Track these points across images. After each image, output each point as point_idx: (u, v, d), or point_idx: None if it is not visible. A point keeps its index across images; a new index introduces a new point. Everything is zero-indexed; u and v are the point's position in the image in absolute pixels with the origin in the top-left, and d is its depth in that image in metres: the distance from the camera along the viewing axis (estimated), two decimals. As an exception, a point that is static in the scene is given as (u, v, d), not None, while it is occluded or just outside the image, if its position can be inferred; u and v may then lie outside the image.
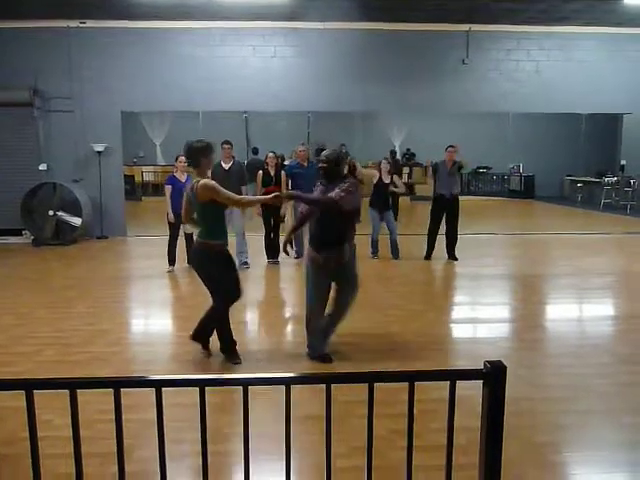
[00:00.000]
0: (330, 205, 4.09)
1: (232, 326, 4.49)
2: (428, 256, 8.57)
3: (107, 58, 10.20)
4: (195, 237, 4.53)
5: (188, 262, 7.19)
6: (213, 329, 4.50)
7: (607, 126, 17.17)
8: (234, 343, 4.47)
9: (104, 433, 2.80)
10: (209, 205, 4.17)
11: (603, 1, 8.92)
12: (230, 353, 4.44)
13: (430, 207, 8.68)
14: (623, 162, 16.55)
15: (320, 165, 4.26)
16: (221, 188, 4.16)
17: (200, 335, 4.51)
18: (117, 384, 1.56)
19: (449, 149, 8.39)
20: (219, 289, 4.35)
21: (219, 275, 4.31)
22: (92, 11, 9.54)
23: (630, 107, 11.66)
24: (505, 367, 1.60)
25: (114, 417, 1.60)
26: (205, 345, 4.56)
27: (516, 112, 14.91)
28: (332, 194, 4.09)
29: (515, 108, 11.93)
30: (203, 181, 4.17)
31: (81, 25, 10.09)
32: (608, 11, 9.52)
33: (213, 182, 4.19)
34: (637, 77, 10.79)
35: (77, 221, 9.82)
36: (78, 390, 1.60)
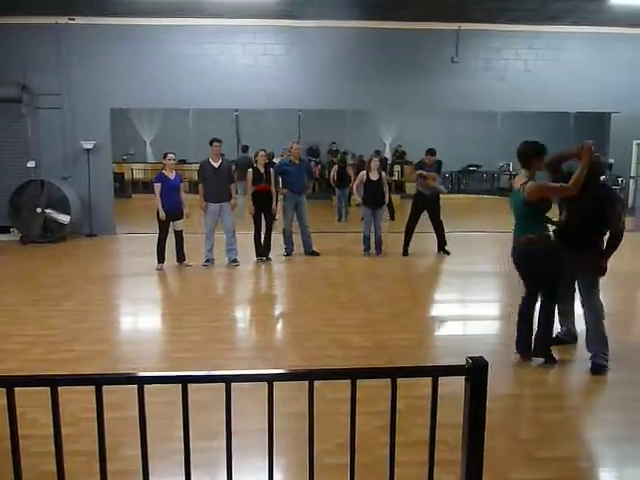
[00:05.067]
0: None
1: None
2: (405, 252, 8.69)
3: (96, 55, 10.12)
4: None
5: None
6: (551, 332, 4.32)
7: (595, 125, 17.25)
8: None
9: (90, 431, 2.79)
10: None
11: (590, 1, 8.98)
12: (549, 354, 4.28)
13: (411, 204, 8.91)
14: (611, 161, 16.68)
15: None
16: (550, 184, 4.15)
17: (543, 347, 4.27)
18: (99, 381, 1.56)
19: (427, 156, 8.57)
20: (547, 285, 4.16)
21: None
22: (81, 8, 9.47)
23: (617, 106, 11.74)
24: (487, 363, 1.61)
25: (95, 415, 1.60)
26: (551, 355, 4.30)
27: (505, 111, 14.98)
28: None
29: (504, 107, 12.00)
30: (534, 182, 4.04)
31: (70, 22, 10.01)
32: (595, 11, 9.58)
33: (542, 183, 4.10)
34: (624, 76, 10.86)
35: (65, 219, 9.75)
36: (61, 387, 1.60)
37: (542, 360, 4.22)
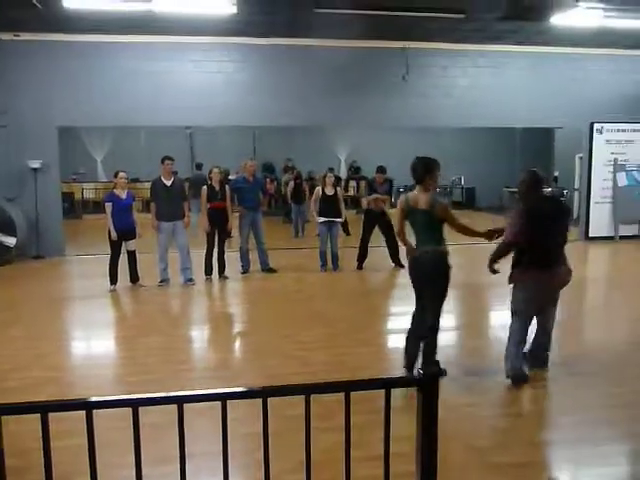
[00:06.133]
0: None
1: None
2: (359, 266, 8.86)
3: (44, 72, 9.87)
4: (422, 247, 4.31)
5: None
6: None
7: (541, 140, 17.99)
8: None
9: (42, 461, 2.68)
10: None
11: (532, 22, 9.39)
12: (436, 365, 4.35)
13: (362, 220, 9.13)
14: (556, 174, 17.39)
15: None
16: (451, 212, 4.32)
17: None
18: (44, 408, 1.50)
19: (378, 174, 8.78)
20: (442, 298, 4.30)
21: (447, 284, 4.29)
22: (27, 24, 9.24)
23: (560, 122, 12.27)
24: (438, 375, 1.64)
25: (41, 444, 1.54)
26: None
27: (453, 127, 15.41)
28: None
29: (452, 123, 12.33)
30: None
31: (15, 38, 9.75)
32: (537, 32, 10.01)
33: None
34: (566, 94, 11.37)
35: (11, 241, 9.39)
36: (5, 417, 1.53)
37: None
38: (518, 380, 4.18)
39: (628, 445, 3.44)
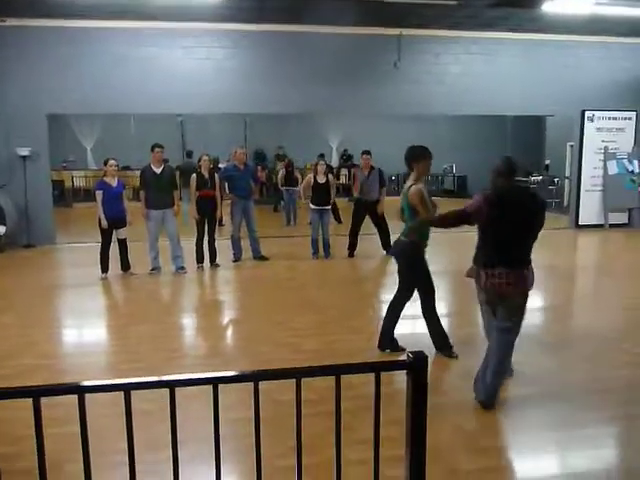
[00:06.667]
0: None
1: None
2: (350, 254, 8.90)
3: (32, 58, 9.74)
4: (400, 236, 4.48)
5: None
6: (393, 329, 4.61)
7: (532, 128, 18.02)
8: (447, 337, 4.59)
9: (33, 448, 2.70)
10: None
11: (523, 9, 9.37)
12: (447, 347, 4.55)
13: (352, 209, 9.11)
14: (547, 162, 17.46)
15: None
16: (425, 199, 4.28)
17: (386, 339, 4.63)
18: (36, 393, 1.51)
19: (364, 156, 8.71)
20: (424, 284, 4.47)
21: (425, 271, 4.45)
22: (14, 9, 9.10)
23: (552, 110, 12.29)
24: (426, 357, 1.66)
25: (34, 429, 1.55)
26: (397, 346, 4.62)
27: (445, 114, 15.39)
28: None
29: (444, 110, 12.30)
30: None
31: (1, 23, 9.59)
32: (528, 19, 10.00)
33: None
34: (557, 81, 11.38)
35: (1, 230, 9.33)
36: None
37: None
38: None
39: (613, 428, 3.50)
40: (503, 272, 3.48)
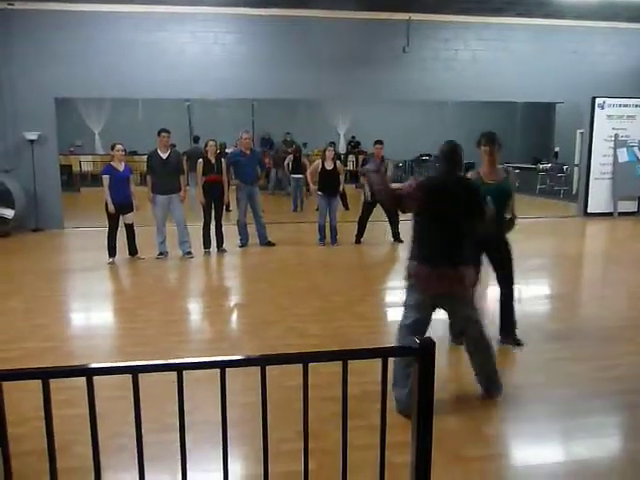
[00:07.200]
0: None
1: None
2: (358, 240, 8.88)
3: (39, 42, 9.71)
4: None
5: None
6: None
7: (541, 115, 17.87)
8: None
9: (41, 430, 2.73)
10: None
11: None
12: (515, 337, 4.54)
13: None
14: (557, 149, 17.31)
15: None
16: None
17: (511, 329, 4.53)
18: (45, 374, 1.52)
19: (376, 145, 8.66)
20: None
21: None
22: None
23: (562, 96, 12.16)
24: (434, 343, 1.66)
25: (43, 411, 1.56)
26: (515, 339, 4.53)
27: (454, 100, 15.26)
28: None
29: (453, 96, 12.20)
30: None
31: (9, 7, 9.56)
32: (538, 4, 9.87)
33: None
34: (568, 68, 11.24)
35: (9, 213, 9.37)
36: (7, 384, 1.54)
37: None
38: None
39: (618, 417, 3.50)
40: (435, 268, 3.32)
